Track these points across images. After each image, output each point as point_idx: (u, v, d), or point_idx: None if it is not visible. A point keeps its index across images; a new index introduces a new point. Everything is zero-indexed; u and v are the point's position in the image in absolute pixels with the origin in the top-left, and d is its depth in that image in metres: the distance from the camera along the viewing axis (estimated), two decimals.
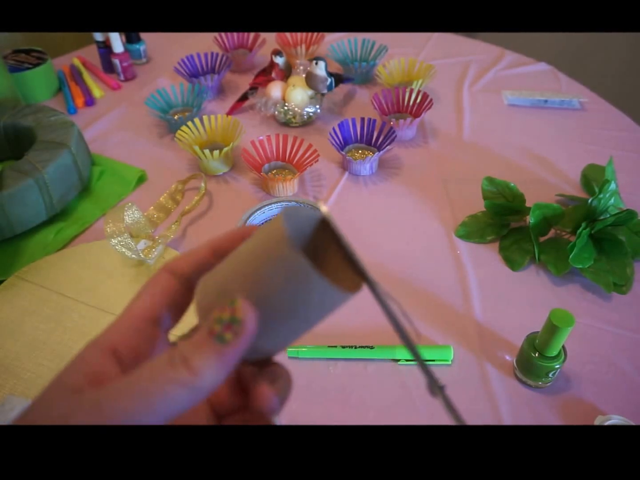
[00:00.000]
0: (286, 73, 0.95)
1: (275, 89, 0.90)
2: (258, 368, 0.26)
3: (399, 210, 0.76)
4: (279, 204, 0.67)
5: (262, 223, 0.68)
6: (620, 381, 0.55)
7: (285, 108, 0.89)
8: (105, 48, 1.04)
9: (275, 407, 0.24)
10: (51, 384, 0.22)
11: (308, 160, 0.78)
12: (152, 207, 0.76)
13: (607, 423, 0.50)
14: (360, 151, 0.86)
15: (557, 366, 0.52)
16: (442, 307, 0.63)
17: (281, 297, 0.22)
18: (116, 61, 1.02)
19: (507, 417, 0.52)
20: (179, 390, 0.21)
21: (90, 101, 0.99)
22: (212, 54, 1.02)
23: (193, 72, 1.01)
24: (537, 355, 0.52)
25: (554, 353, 0.52)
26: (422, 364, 0.23)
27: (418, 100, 0.89)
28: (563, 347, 0.52)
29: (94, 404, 0.21)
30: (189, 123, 0.83)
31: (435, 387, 0.23)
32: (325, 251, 0.26)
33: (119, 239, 0.65)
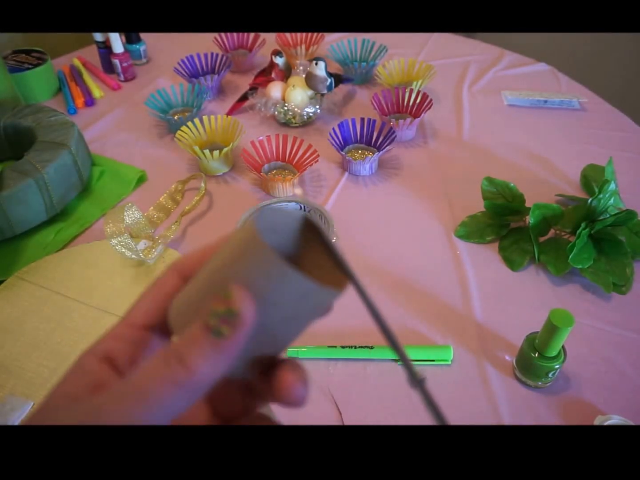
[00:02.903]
0: (286, 73, 0.95)
1: (275, 90, 0.90)
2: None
3: (399, 211, 0.76)
4: (278, 204, 0.67)
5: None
6: (620, 381, 0.55)
7: (285, 108, 0.89)
8: (105, 48, 1.04)
9: (303, 394, 0.23)
10: (51, 394, 0.22)
11: (308, 161, 0.78)
12: (152, 208, 0.76)
13: (606, 423, 0.50)
14: (360, 151, 0.86)
15: (557, 366, 0.52)
16: (442, 307, 0.63)
17: (259, 297, 0.21)
18: (116, 61, 1.02)
19: (507, 417, 0.52)
20: (176, 390, 0.20)
21: (90, 101, 0.99)
22: (212, 54, 1.02)
23: (193, 72, 1.01)
24: (536, 355, 0.52)
25: (554, 353, 0.52)
26: (403, 357, 0.22)
27: (418, 101, 0.89)
28: (563, 347, 0.53)
29: (92, 410, 0.21)
30: (189, 123, 0.83)
31: (415, 380, 0.22)
32: (311, 251, 0.25)
33: (119, 239, 0.65)
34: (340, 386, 0.55)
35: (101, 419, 0.20)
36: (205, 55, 1.02)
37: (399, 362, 0.57)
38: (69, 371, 0.23)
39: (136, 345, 0.24)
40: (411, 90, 0.90)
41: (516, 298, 0.64)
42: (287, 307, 0.22)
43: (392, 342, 0.23)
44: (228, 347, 0.20)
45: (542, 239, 0.69)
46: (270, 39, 1.08)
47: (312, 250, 0.25)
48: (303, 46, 1.04)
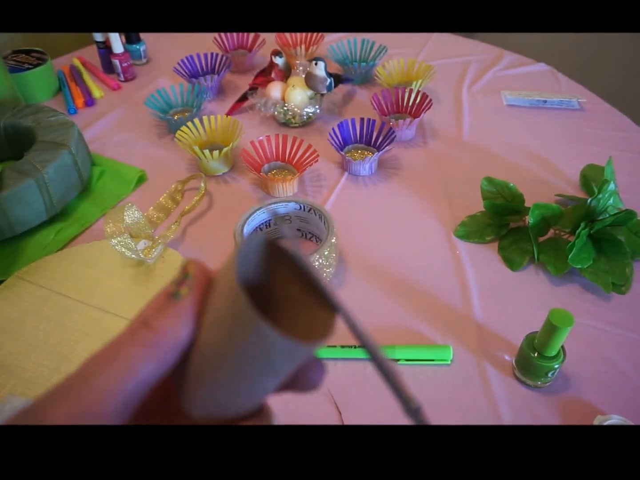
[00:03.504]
0: (286, 73, 0.95)
1: (274, 90, 0.90)
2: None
3: (399, 211, 0.76)
4: (278, 204, 0.67)
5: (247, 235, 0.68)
6: (619, 381, 0.55)
7: (285, 108, 0.89)
8: (105, 48, 1.04)
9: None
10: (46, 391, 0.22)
11: (308, 161, 0.78)
12: (152, 207, 0.76)
13: (606, 423, 0.50)
14: (359, 151, 0.86)
15: (556, 366, 0.52)
16: (442, 307, 0.63)
17: (237, 354, 0.21)
18: (116, 61, 1.02)
19: (507, 417, 0.52)
20: (144, 351, 0.21)
21: (90, 101, 0.99)
22: (211, 54, 1.02)
23: (193, 72, 1.01)
24: (536, 355, 0.52)
25: (553, 353, 0.52)
26: (396, 387, 0.21)
27: (417, 101, 0.89)
28: (562, 347, 0.53)
29: (65, 390, 0.21)
30: (189, 123, 0.83)
31: (410, 410, 0.21)
32: (300, 281, 0.24)
33: (119, 239, 0.65)
34: (340, 386, 0.55)
35: (72, 392, 0.21)
36: (205, 55, 1.02)
37: (399, 362, 0.57)
38: (69, 375, 0.23)
39: None
40: (411, 90, 0.90)
41: (516, 298, 0.64)
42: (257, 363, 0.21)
43: (383, 367, 0.22)
44: (187, 305, 0.22)
45: (541, 239, 0.69)
46: (270, 39, 1.08)
47: (300, 279, 0.24)
48: (303, 46, 1.04)
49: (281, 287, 0.24)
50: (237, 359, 0.21)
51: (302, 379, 0.24)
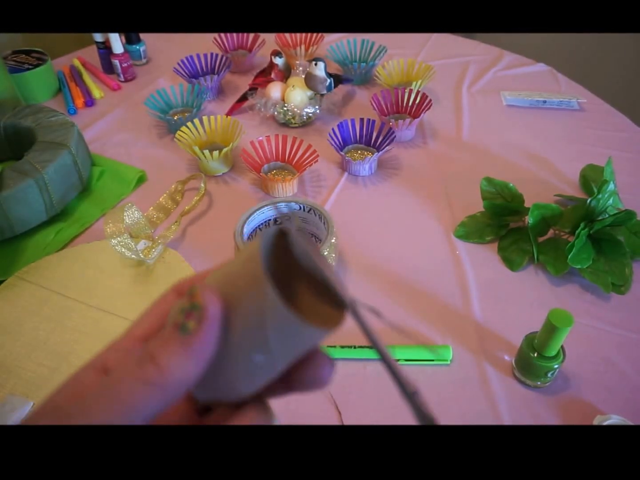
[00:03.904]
0: (285, 74, 0.95)
1: (274, 90, 0.90)
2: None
3: (398, 211, 0.77)
4: (278, 204, 0.67)
5: (255, 230, 0.68)
6: (619, 381, 0.55)
7: (285, 109, 0.89)
8: (105, 49, 1.04)
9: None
10: (42, 404, 0.22)
11: (307, 161, 0.78)
12: (151, 208, 0.76)
13: (606, 423, 0.50)
14: (359, 152, 0.86)
15: (556, 366, 0.52)
16: (441, 307, 0.63)
17: (251, 325, 0.21)
18: (116, 62, 1.03)
19: (506, 417, 0.53)
20: (148, 389, 0.20)
21: (90, 102, 0.99)
22: (211, 54, 1.02)
23: (193, 72, 1.01)
24: (536, 355, 0.52)
25: (553, 353, 0.52)
26: (393, 371, 0.22)
27: (417, 101, 0.89)
28: (562, 347, 0.53)
29: (66, 415, 0.20)
30: (189, 123, 0.83)
31: (406, 394, 0.21)
32: (310, 276, 0.24)
33: (119, 239, 0.65)
34: (339, 386, 0.55)
35: (72, 420, 0.20)
36: (205, 56, 1.02)
37: (398, 362, 0.57)
38: (63, 383, 0.22)
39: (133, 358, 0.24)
40: (410, 91, 0.90)
41: (515, 298, 0.64)
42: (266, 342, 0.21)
43: (380, 351, 0.22)
44: (195, 342, 0.20)
45: (541, 239, 0.69)
46: (269, 40, 1.08)
47: (310, 275, 0.24)
48: (302, 46, 1.04)
49: (290, 280, 0.24)
50: (236, 327, 0.21)
51: (311, 375, 0.23)
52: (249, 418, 0.23)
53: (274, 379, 0.23)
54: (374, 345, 0.22)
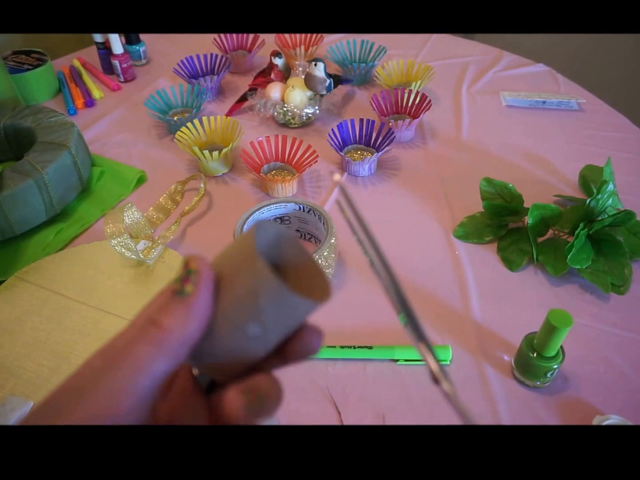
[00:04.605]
0: (285, 74, 0.95)
1: (274, 90, 0.90)
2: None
3: (398, 211, 0.77)
4: (278, 204, 0.68)
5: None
6: (618, 381, 0.56)
7: (285, 109, 0.89)
8: (105, 49, 1.04)
9: (240, 417, 0.22)
10: (57, 388, 0.22)
11: (307, 161, 0.78)
12: (151, 208, 0.76)
13: (605, 423, 0.50)
14: (359, 152, 0.86)
15: (555, 366, 0.52)
16: (441, 308, 0.63)
17: (244, 298, 0.23)
18: (116, 62, 1.03)
19: (506, 417, 0.53)
20: (152, 351, 0.21)
21: (90, 102, 0.99)
22: (211, 55, 1.02)
23: (192, 73, 1.01)
24: (535, 355, 0.52)
25: (552, 353, 0.52)
26: (427, 347, 0.24)
27: (417, 102, 0.89)
28: (561, 347, 0.53)
29: (78, 390, 0.21)
30: (189, 124, 0.83)
31: (441, 376, 0.23)
32: (298, 267, 0.26)
33: (119, 239, 0.65)
34: (339, 386, 0.55)
35: (86, 393, 0.21)
36: (205, 56, 1.02)
37: (398, 362, 0.57)
38: (78, 372, 0.23)
39: None
40: (410, 91, 0.90)
41: (515, 298, 0.64)
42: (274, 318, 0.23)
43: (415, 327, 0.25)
44: (193, 302, 0.22)
45: (540, 240, 0.69)
46: (269, 40, 1.08)
47: (299, 266, 0.27)
48: (302, 47, 1.04)
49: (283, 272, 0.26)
50: (232, 298, 0.23)
51: (300, 344, 0.24)
52: (258, 382, 0.24)
53: (269, 351, 0.24)
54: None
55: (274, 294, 0.22)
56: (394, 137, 0.81)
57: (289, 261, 0.26)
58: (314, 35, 1.06)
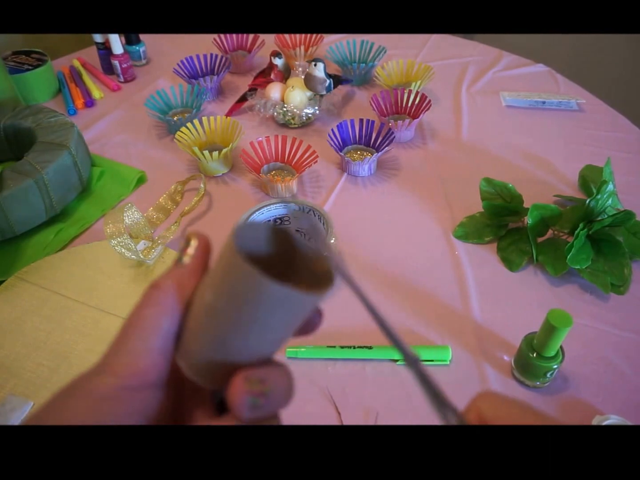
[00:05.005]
0: (285, 74, 0.95)
1: (274, 90, 0.90)
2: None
3: (398, 211, 0.77)
4: (278, 204, 0.68)
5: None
6: (618, 381, 0.56)
7: (284, 109, 0.89)
8: (105, 49, 1.04)
9: (243, 409, 0.23)
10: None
11: (307, 162, 0.78)
12: (151, 208, 0.76)
13: (604, 423, 0.50)
14: (358, 152, 0.86)
15: (555, 366, 0.53)
16: (441, 308, 0.63)
17: (238, 306, 0.23)
18: (116, 62, 1.03)
19: None
20: (154, 310, 0.24)
21: (90, 102, 0.99)
22: (211, 55, 1.02)
23: (192, 73, 1.01)
24: (535, 355, 0.52)
25: (552, 353, 0.52)
26: (395, 340, 0.24)
27: (416, 102, 0.89)
28: (561, 347, 0.53)
29: (108, 357, 0.24)
30: (189, 124, 0.83)
31: (410, 360, 0.23)
32: (295, 262, 0.26)
33: (119, 239, 0.65)
34: (339, 386, 0.55)
35: (109, 358, 0.24)
36: (205, 57, 1.02)
37: (398, 362, 0.57)
38: (113, 341, 0.25)
39: None
40: (410, 91, 0.90)
41: (514, 298, 0.64)
42: (276, 317, 0.23)
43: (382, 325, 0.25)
44: (189, 265, 0.25)
45: (540, 240, 0.69)
46: (269, 40, 1.08)
47: (295, 260, 0.26)
48: (302, 47, 1.04)
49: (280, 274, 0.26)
50: (225, 305, 0.23)
51: (305, 325, 0.26)
52: (266, 372, 0.24)
53: (266, 350, 0.25)
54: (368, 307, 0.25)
55: (257, 287, 0.22)
56: (394, 137, 0.81)
57: (292, 258, 0.26)
58: (314, 35, 1.06)
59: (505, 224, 0.72)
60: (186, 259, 0.25)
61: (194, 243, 0.26)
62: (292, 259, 0.26)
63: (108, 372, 0.23)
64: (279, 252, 0.26)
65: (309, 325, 0.26)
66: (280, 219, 0.69)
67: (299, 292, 0.22)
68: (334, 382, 0.56)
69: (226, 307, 0.23)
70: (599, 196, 0.66)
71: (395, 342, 0.24)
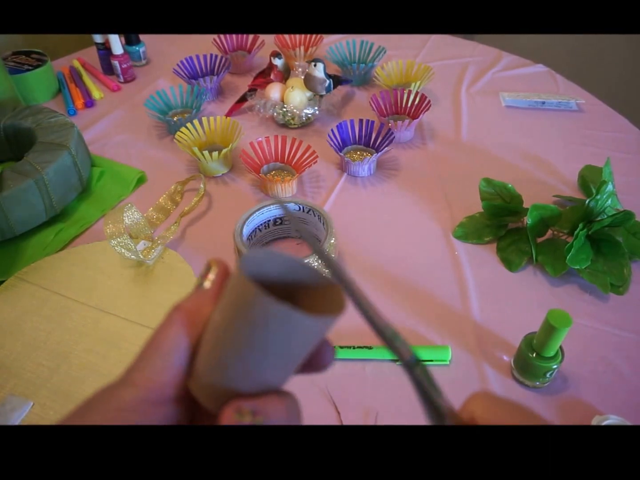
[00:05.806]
0: (285, 75, 0.95)
1: (274, 91, 0.90)
2: None
3: (397, 211, 0.77)
4: (277, 205, 0.68)
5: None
6: (617, 381, 0.56)
7: (284, 109, 0.89)
8: (105, 50, 1.04)
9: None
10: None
11: (307, 162, 0.78)
12: (151, 208, 0.76)
13: (604, 423, 0.50)
14: (358, 152, 0.86)
15: (555, 366, 0.53)
16: (440, 308, 0.63)
17: (253, 337, 0.23)
18: (116, 63, 1.03)
19: None
20: (174, 329, 0.25)
21: (89, 103, 0.99)
22: (211, 55, 1.02)
23: (192, 73, 1.01)
24: (534, 355, 0.52)
25: (552, 353, 0.52)
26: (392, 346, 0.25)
27: (416, 102, 0.89)
28: (560, 347, 0.53)
29: (128, 372, 0.25)
30: (188, 124, 0.83)
31: (408, 364, 0.24)
32: (308, 289, 0.27)
33: (119, 239, 0.65)
34: (338, 386, 0.55)
35: (135, 373, 0.25)
36: (205, 57, 1.02)
37: (397, 362, 0.57)
38: (140, 354, 0.26)
39: None
40: (409, 92, 0.90)
41: (514, 298, 0.64)
42: (287, 342, 0.23)
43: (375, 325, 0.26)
44: (209, 289, 0.26)
45: (539, 240, 0.69)
46: (269, 41, 1.08)
47: (308, 287, 0.27)
48: (302, 47, 1.04)
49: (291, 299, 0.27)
50: (227, 325, 0.23)
51: (316, 361, 0.27)
52: (261, 403, 0.24)
53: (285, 376, 0.25)
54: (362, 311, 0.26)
55: (254, 304, 0.22)
56: (394, 137, 0.81)
57: (303, 286, 0.27)
58: (314, 35, 1.07)
59: (504, 224, 0.72)
60: (207, 284, 0.27)
61: (214, 269, 0.27)
62: (303, 288, 0.27)
63: (129, 384, 0.24)
64: (291, 281, 0.26)
65: (318, 359, 0.26)
66: (280, 219, 0.69)
67: (299, 313, 0.22)
68: (334, 382, 0.56)
69: (227, 327, 0.23)
70: (598, 196, 0.66)
71: (395, 351, 0.24)
